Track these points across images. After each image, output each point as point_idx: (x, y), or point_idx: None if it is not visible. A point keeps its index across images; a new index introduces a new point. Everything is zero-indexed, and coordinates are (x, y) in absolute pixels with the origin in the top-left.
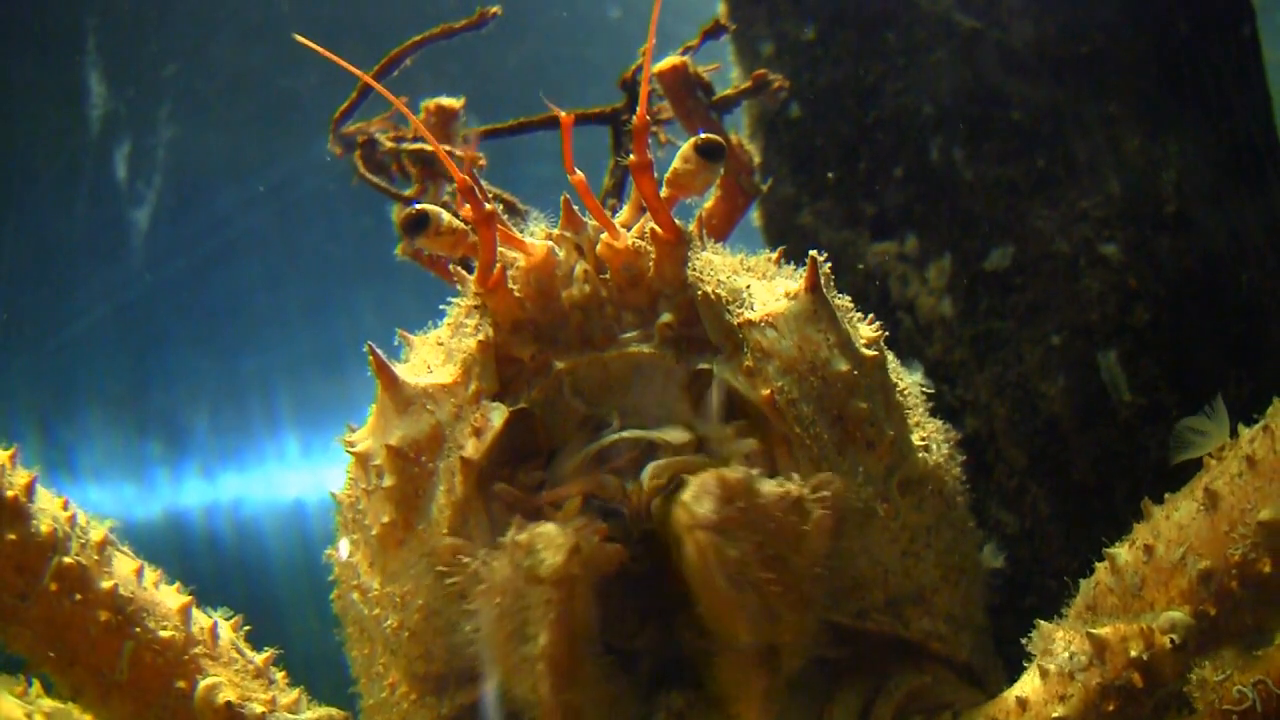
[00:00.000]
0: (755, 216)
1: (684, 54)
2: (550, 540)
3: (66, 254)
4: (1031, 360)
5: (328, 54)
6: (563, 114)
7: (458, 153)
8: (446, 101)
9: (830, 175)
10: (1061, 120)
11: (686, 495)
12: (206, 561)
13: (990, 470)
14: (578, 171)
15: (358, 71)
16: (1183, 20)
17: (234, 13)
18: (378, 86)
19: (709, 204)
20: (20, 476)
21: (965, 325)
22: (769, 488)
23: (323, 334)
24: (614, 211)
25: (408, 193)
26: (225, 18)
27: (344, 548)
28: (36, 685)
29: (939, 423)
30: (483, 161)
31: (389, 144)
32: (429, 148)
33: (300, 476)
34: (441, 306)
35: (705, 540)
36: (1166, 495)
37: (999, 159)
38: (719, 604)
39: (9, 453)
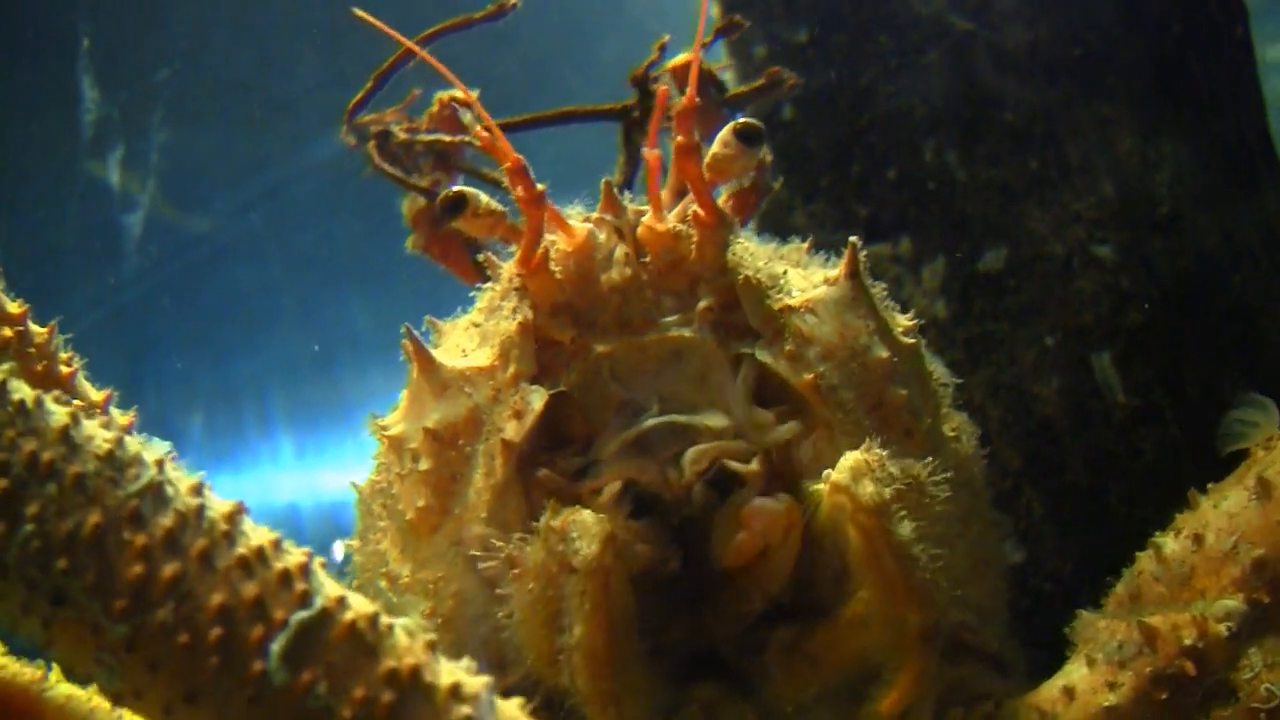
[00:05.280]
0: None
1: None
2: (586, 528)
3: (60, 258)
4: (1025, 362)
5: (381, 26)
6: (664, 89)
7: (500, 142)
8: (460, 94)
9: (823, 177)
10: (1055, 122)
11: (842, 477)
12: None
13: None
14: (656, 149)
15: (402, 39)
16: (1176, 22)
17: (227, 16)
18: (424, 54)
19: (720, 199)
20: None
21: (959, 327)
22: (897, 467)
23: (316, 337)
24: None
25: (423, 184)
26: (218, 22)
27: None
28: (56, 671)
29: (963, 415)
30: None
31: (403, 135)
32: (445, 138)
33: (294, 479)
34: (462, 306)
35: (873, 523)
36: (1210, 485)
37: (992, 161)
38: (889, 585)
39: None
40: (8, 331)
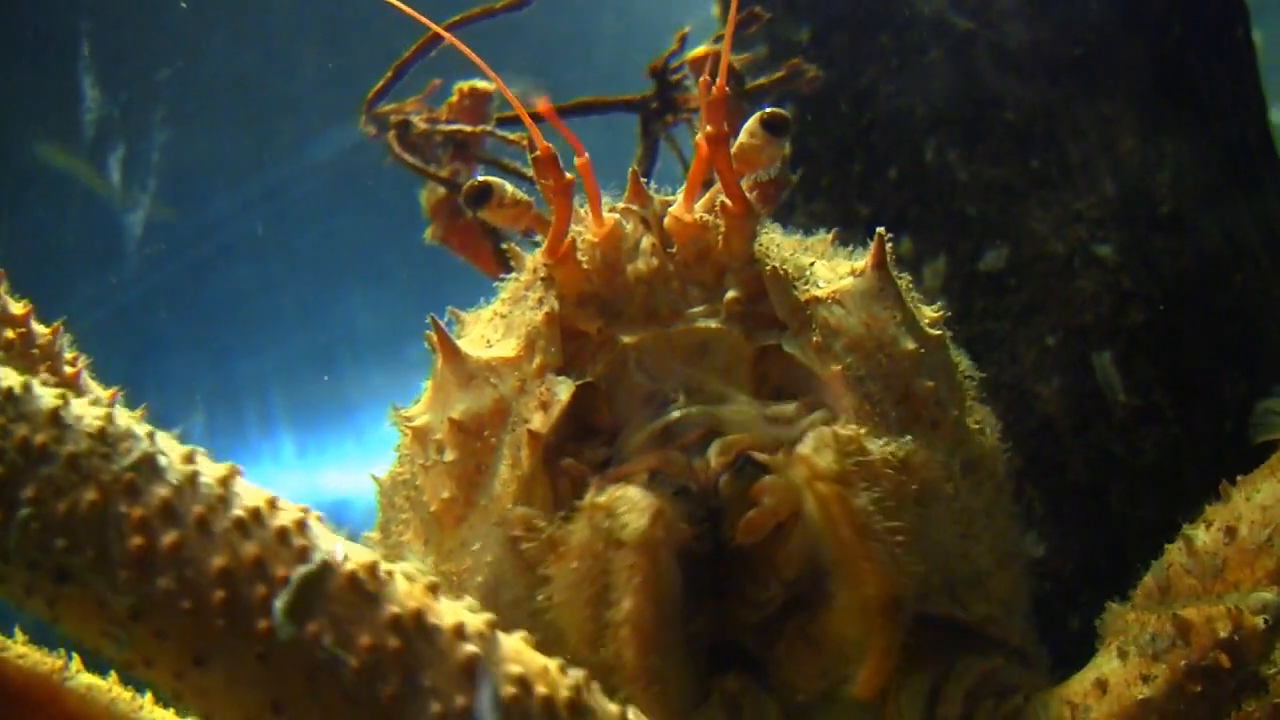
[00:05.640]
0: None
1: (716, 42)
2: (633, 503)
3: (61, 258)
4: (1026, 361)
5: (411, 12)
6: (721, 83)
7: (533, 129)
8: (480, 85)
9: (824, 176)
10: (1056, 121)
11: (806, 449)
12: None
13: None
14: (701, 138)
15: (432, 25)
16: (1177, 21)
17: (228, 16)
18: (455, 42)
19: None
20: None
21: (960, 326)
22: (876, 445)
23: (317, 336)
24: None
25: (442, 173)
26: (219, 21)
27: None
28: (76, 661)
29: (987, 408)
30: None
31: (422, 125)
32: (465, 129)
33: (295, 478)
34: (485, 298)
35: (829, 491)
36: (1239, 477)
37: (993, 160)
38: (846, 555)
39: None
40: (10, 333)
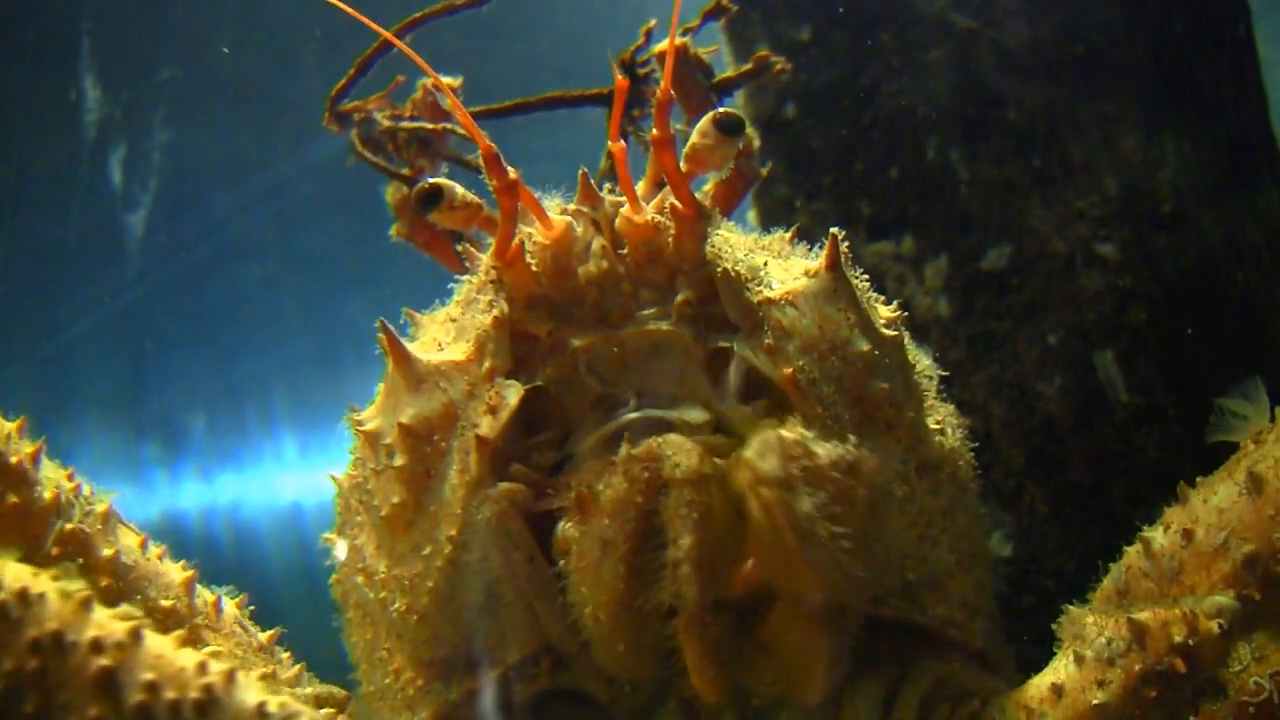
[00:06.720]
0: (751, 215)
1: (684, 35)
2: (679, 445)
3: (62, 258)
4: (1028, 360)
5: (355, 13)
6: (619, 78)
7: (473, 129)
8: (444, 80)
9: (826, 176)
10: (1057, 120)
11: (749, 452)
12: (203, 563)
13: (987, 470)
14: (620, 141)
15: (379, 29)
16: (1179, 20)
17: (229, 17)
18: (398, 43)
19: (707, 188)
20: (26, 446)
21: (962, 325)
22: (824, 448)
23: (319, 336)
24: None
25: (405, 172)
26: (220, 22)
27: (342, 547)
28: None
29: (951, 407)
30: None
31: (386, 122)
32: (427, 126)
33: (297, 478)
34: (438, 301)
35: (773, 496)
36: (1198, 479)
37: (995, 159)
38: (789, 561)
39: (16, 424)
40: None
